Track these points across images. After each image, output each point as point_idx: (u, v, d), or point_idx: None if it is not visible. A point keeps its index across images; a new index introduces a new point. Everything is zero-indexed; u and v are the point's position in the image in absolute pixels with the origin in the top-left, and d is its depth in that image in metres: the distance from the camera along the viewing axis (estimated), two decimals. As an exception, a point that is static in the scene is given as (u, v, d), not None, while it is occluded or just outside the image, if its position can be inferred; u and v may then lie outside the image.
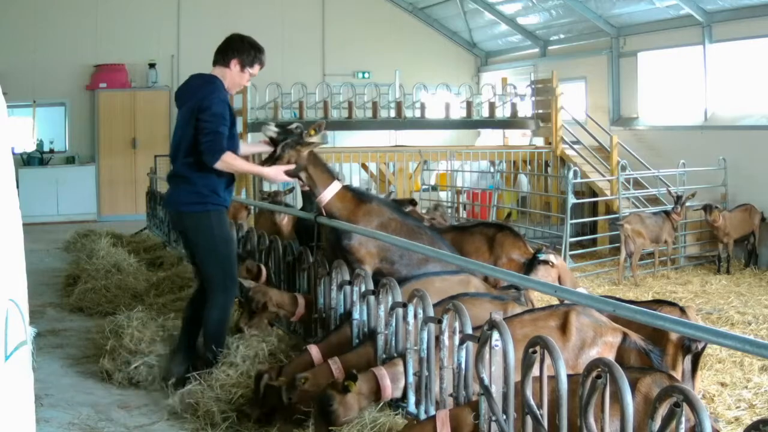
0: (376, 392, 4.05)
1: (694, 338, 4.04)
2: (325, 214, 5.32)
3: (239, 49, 5.14)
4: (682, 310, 4.51)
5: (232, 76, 5.14)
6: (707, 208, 10.08)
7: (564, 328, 4.03)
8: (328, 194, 5.22)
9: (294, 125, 5.22)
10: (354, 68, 17.14)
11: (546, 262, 5.71)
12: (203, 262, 5.20)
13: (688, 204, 10.83)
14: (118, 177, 15.61)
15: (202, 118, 4.90)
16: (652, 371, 3.46)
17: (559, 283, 5.37)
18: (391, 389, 4.06)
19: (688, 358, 4.33)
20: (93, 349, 6.12)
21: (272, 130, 5.13)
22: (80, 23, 15.49)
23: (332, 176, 5.31)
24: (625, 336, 4.04)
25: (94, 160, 15.51)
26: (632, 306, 3.22)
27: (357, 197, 5.37)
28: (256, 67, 5.18)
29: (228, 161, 4.92)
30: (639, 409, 3.05)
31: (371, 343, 4.50)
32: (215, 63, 5.19)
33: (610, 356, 3.85)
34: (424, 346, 4.02)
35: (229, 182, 5.22)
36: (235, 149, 5.06)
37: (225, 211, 5.25)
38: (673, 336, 4.24)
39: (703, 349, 4.48)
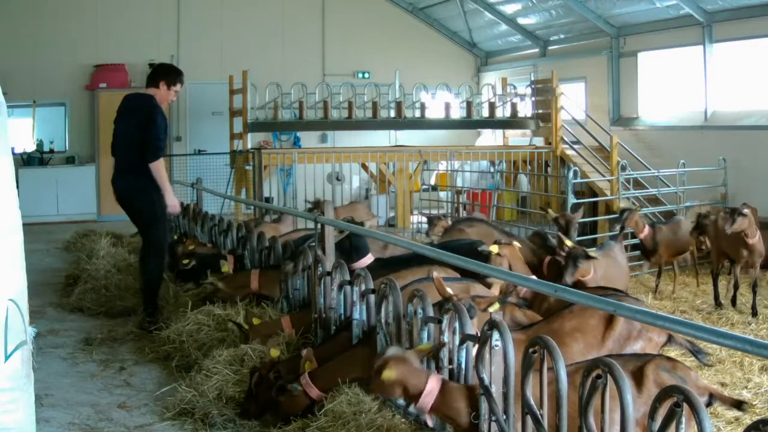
0: None
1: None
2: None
3: (163, 72, 6.93)
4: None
5: (161, 93, 6.85)
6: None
7: (611, 317, 4.05)
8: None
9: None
10: (354, 68, 17.12)
11: (488, 253, 5.56)
12: (154, 230, 6.81)
13: (688, 204, 10.79)
14: (118, 177, 15.57)
15: (150, 129, 6.58)
16: (653, 356, 3.53)
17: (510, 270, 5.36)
18: None
19: None
20: (93, 349, 6.11)
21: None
22: (80, 23, 15.45)
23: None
24: (669, 337, 4.06)
25: (94, 160, 15.46)
26: (632, 306, 3.20)
27: None
28: (178, 85, 6.92)
29: (159, 166, 6.62)
30: (651, 394, 3.08)
31: (346, 333, 4.67)
32: (148, 86, 6.92)
33: (653, 353, 3.89)
34: (424, 346, 4.01)
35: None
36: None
37: (161, 190, 6.71)
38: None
39: None
